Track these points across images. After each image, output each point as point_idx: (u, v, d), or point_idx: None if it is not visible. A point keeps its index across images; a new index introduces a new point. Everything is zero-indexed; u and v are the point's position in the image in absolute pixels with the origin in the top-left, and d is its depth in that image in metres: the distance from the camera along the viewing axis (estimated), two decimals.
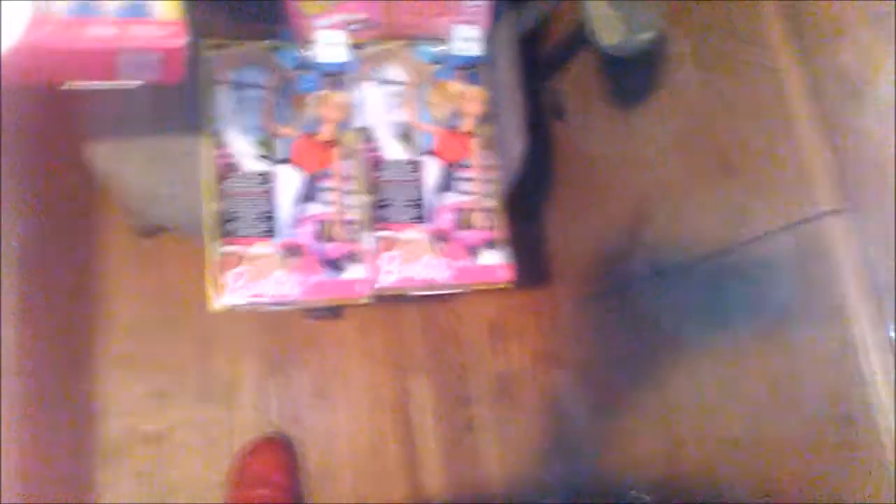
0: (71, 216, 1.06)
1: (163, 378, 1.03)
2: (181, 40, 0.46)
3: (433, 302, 1.16)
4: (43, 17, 0.42)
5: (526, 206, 1.20)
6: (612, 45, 0.58)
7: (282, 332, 1.09)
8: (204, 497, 1.00)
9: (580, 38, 1.00)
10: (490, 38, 0.75)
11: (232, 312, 0.95)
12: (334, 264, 0.65)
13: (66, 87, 0.48)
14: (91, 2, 0.46)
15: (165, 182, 0.67)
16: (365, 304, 0.66)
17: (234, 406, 1.05)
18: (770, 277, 0.63)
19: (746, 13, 0.63)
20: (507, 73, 0.77)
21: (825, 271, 0.57)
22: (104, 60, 0.45)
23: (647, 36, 0.57)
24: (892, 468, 0.52)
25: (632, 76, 0.86)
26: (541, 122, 1.15)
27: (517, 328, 1.20)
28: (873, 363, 0.54)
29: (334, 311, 1.11)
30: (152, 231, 1.07)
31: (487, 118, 0.72)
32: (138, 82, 0.49)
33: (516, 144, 0.75)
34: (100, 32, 0.44)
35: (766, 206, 0.63)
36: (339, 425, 1.08)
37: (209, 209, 0.64)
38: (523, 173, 0.76)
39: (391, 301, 1.12)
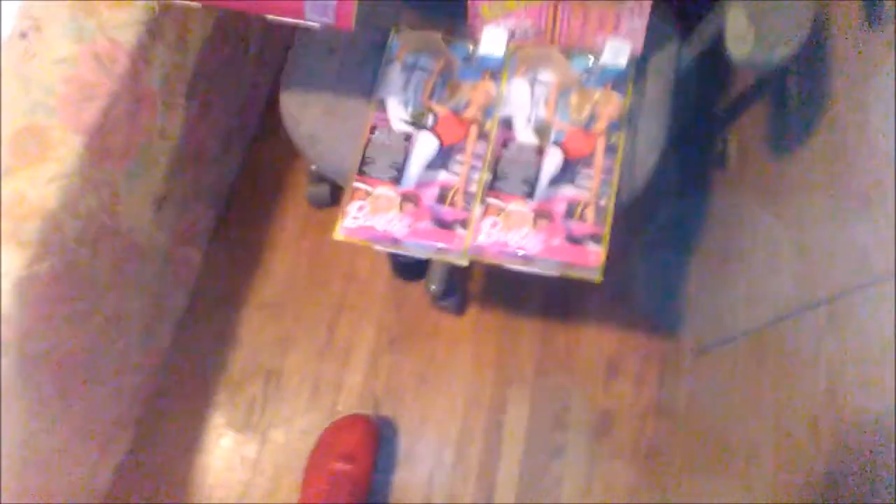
0: (271, 180, 1.25)
1: (294, 328, 1.16)
2: None
3: (555, 321, 1.18)
4: None
5: (673, 253, 1.19)
6: (742, 58, 0.59)
7: (407, 314, 1.17)
8: (293, 439, 1.09)
9: (753, 93, 1.00)
10: (645, 61, 0.79)
11: (345, 265, 1.05)
12: (444, 224, 0.71)
13: (269, 19, 0.61)
14: None
15: (332, 132, 0.79)
16: (463, 267, 0.71)
17: (347, 368, 1.14)
18: (876, 325, 0.58)
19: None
20: (656, 93, 0.80)
21: None
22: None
23: (779, 52, 0.58)
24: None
25: (792, 124, 0.84)
26: (705, 171, 1.15)
27: (637, 373, 1.17)
28: None
29: (459, 307, 1.17)
30: (323, 204, 1.22)
31: (622, 126, 0.75)
32: (319, 24, 0.60)
33: (648, 158, 0.77)
34: None
35: (891, 249, 0.59)
36: (434, 414, 1.12)
37: (356, 154, 0.74)
38: (650, 187, 0.78)
39: (510, 306, 1.17)
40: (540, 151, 0.74)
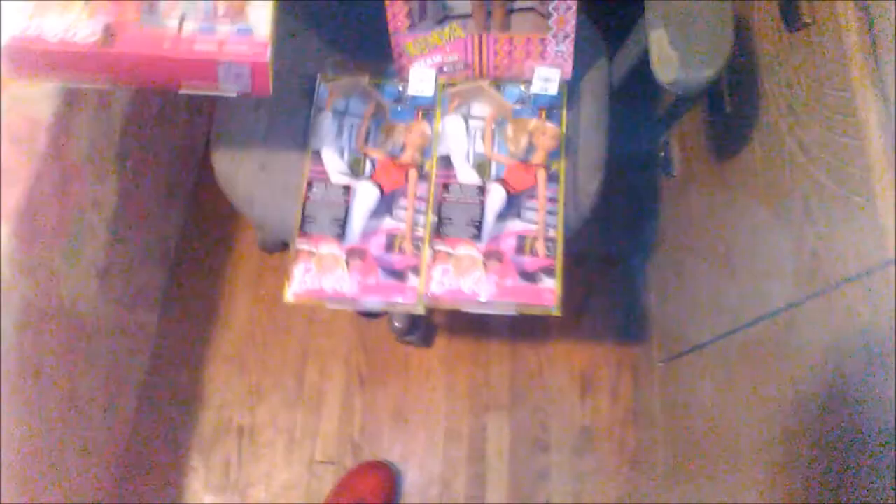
0: (218, 228, 1.22)
1: (262, 378, 1.13)
2: (265, 58, 0.55)
3: (524, 342, 1.17)
4: (161, 33, 0.54)
5: (630, 263, 1.19)
6: (669, 82, 0.59)
7: (375, 352, 1.16)
8: (274, 495, 1.07)
9: (687, 100, 1.00)
10: (576, 83, 0.79)
11: (306, 309, 1.02)
12: (395, 273, 0.70)
13: (182, 90, 0.59)
14: (213, 25, 0.57)
15: (269, 190, 0.77)
16: (420, 314, 0.70)
17: (321, 414, 1.12)
18: (839, 327, 0.58)
19: (833, 55, 0.62)
20: (590, 115, 0.79)
21: (888, 319, 0.52)
22: (207, 69, 0.55)
23: (705, 72, 0.58)
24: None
25: (730, 129, 0.84)
26: (654, 180, 1.15)
27: (611, 383, 1.16)
28: None
29: (425, 339, 1.16)
30: (275, 249, 1.20)
31: (561, 153, 0.74)
32: (235, 92, 0.58)
33: (591, 182, 0.77)
34: (204, 48, 0.55)
35: (839, 254, 0.59)
36: (415, 451, 1.11)
37: (296, 212, 0.72)
38: (597, 210, 0.77)
39: (477, 332, 1.16)
40: (482, 189, 0.72)
